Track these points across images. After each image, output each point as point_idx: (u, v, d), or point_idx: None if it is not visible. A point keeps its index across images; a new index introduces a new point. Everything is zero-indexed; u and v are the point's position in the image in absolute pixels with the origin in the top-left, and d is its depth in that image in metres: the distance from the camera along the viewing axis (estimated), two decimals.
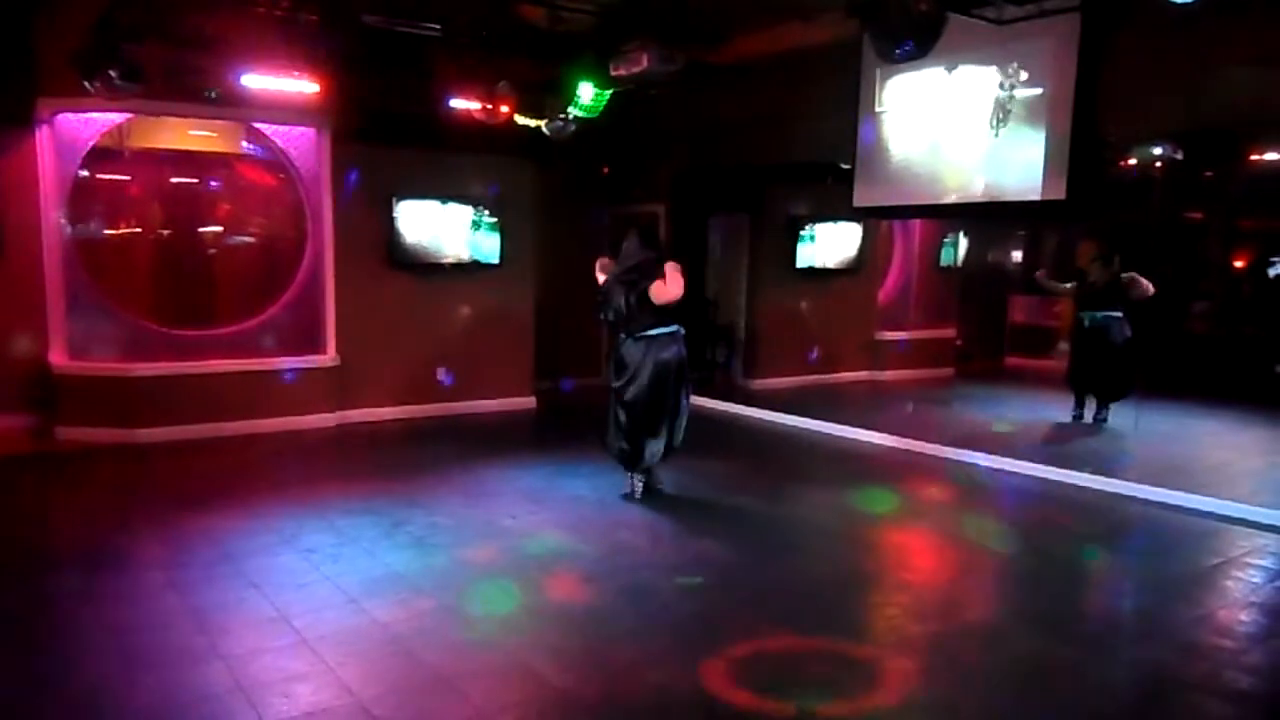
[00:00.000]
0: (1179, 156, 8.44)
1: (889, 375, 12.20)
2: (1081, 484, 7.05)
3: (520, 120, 8.44)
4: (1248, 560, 5.47)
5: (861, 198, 8.64)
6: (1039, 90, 7.10)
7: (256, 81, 7.37)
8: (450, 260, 9.34)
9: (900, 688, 3.90)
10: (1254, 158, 8.86)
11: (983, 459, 7.74)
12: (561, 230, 10.62)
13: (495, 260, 9.54)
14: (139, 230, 8.97)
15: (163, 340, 8.38)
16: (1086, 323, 9.00)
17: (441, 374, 9.52)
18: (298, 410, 8.70)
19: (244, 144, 8.95)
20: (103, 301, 8.30)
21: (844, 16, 6.08)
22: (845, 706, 3.72)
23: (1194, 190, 10.49)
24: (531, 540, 5.64)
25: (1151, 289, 8.73)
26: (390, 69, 8.12)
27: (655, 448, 6.34)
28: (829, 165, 9.38)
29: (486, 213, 9.43)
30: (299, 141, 8.72)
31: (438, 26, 7.63)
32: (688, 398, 6.43)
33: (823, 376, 11.66)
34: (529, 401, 10.07)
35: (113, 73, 6.69)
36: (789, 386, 11.26)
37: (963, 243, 12.99)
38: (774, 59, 8.78)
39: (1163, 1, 5.61)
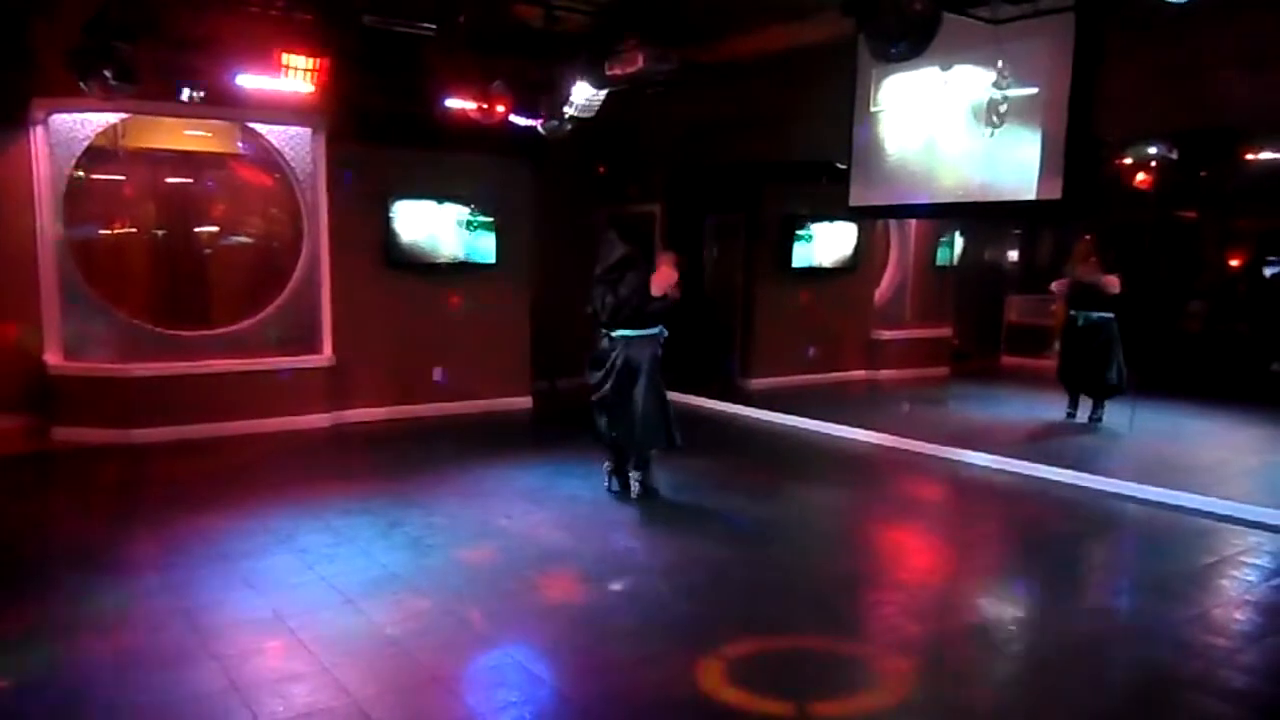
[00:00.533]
0: (1174, 156, 8.47)
1: (885, 374, 12.21)
2: (1076, 483, 7.05)
3: (516, 120, 8.43)
4: (1243, 559, 5.48)
5: (857, 197, 8.64)
6: (1034, 90, 7.11)
7: (251, 81, 7.35)
8: (446, 260, 9.34)
9: (897, 687, 3.90)
10: (1249, 157, 8.88)
11: (978, 458, 7.75)
12: (557, 230, 10.61)
13: (491, 260, 9.53)
14: (134, 230, 8.94)
15: (158, 340, 8.37)
16: (1080, 321, 9.00)
17: (437, 374, 9.52)
18: (294, 410, 8.68)
19: (239, 144, 8.93)
20: (98, 302, 8.28)
21: (839, 16, 6.07)
22: (842, 705, 3.73)
23: (1189, 189, 10.50)
24: (528, 540, 5.64)
25: (1115, 288, 8.74)
26: (386, 68, 8.11)
27: (627, 441, 6.39)
28: (825, 165, 9.39)
29: (482, 212, 9.42)
30: (294, 141, 8.71)
31: (433, 26, 7.62)
32: (659, 397, 6.35)
33: (819, 376, 11.66)
34: (525, 401, 10.07)
35: (107, 72, 6.67)
36: (785, 386, 11.26)
37: (959, 242, 13.00)
38: (769, 59, 8.78)
39: (1158, 1, 5.62)
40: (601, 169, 11.25)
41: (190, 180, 9.25)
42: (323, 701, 3.59)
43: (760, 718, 3.57)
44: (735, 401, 10.26)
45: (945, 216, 11.01)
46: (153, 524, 5.78)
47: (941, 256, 12.85)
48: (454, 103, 8.17)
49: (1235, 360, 10.52)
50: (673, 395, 6.67)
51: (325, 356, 8.89)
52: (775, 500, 6.77)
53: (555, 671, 3.95)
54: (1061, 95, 6.92)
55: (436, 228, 9.24)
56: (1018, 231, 13.86)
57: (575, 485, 6.82)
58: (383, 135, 8.68)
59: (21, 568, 5.11)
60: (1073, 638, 4.40)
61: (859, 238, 11.69)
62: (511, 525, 5.94)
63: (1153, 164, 8.80)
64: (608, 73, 7.61)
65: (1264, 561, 5.43)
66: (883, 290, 12.66)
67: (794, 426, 9.30)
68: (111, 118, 8.09)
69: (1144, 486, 6.73)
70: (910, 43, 5.37)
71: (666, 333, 6.38)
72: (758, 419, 9.71)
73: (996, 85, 7.32)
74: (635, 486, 6.50)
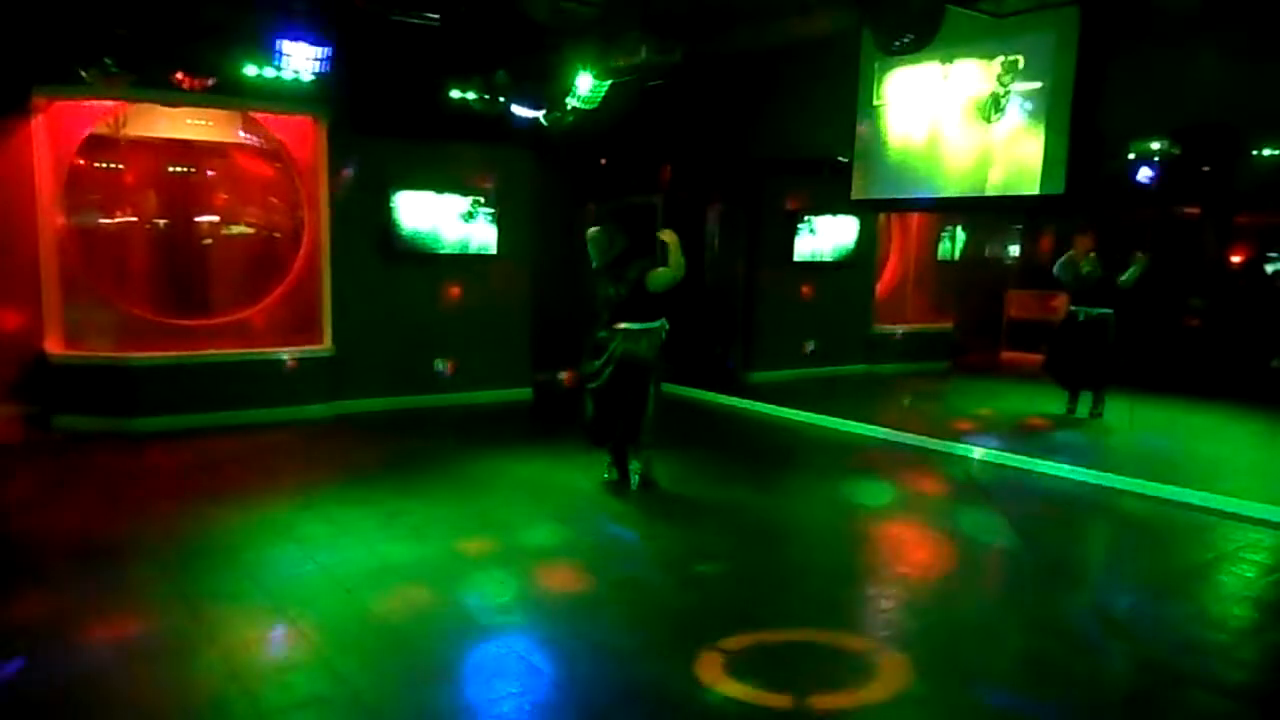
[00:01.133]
0: (1177, 151, 8.44)
1: (886, 368, 12.20)
2: (1075, 478, 7.06)
3: (518, 111, 8.42)
4: (1242, 555, 5.48)
5: (859, 190, 8.64)
6: (1038, 84, 7.10)
7: (253, 70, 7.34)
8: (447, 251, 9.32)
9: (895, 680, 3.90)
10: (1252, 153, 8.85)
11: (978, 452, 7.75)
12: (558, 222, 10.59)
13: (493, 251, 9.52)
14: (135, 219, 8.93)
15: (159, 329, 8.37)
16: (1081, 317, 8.97)
17: (438, 364, 9.52)
18: (294, 400, 8.68)
19: (240, 133, 8.92)
20: (99, 290, 8.28)
21: (842, 9, 6.07)
22: (840, 699, 3.73)
23: (1192, 185, 10.48)
24: (527, 531, 5.64)
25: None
26: (388, 58, 8.09)
27: (618, 435, 6.41)
28: (827, 158, 9.37)
29: (484, 203, 9.41)
30: (296, 131, 8.69)
31: (436, 16, 7.60)
32: (651, 393, 6.36)
33: (820, 369, 11.66)
34: (526, 392, 10.07)
35: (108, 60, 6.66)
36: (786, 379, 11.26)
37: (960, 236, 12.99)
38: (772, 51, 8.76)
39: None
40: (603, 161, 11.23)
41: (191, 169, 9.24)
42: (322, 691, 3.60)
43: (759, 710, 3.58)
44: (736, 394, 10.26)
45: (947, 210, 11.02)
46: (153, 513, 5.78)
47: (943, 251, 12.84)
48: (456, 93, 8.15)
49: (1236, 356, 10.51)
50: (674, 388, 6.67)
51: (325, 346, 8.89)
52: (775, 493, 6.77)
53: (554, 662, 3.96)
54: (1065, 90, 6.91)
55: (437, 218, 9.22)
56: (1019, 226, 13.83)
57: (575, 476, 6.82)
58: (384, 125, 8.67)
59: (21, 557, 5.10)
60: (1071, 633, 4.41)
61: (861, 231, 11.67)
62: (511, 516, 5.94)
63: (1156, 159, 8.77)
64: (610, 64, 7.60)
65: (1263, 558, 5.43)
66: (884, 284, 12.65)
67: (795, 419, 9.30)
68: (112, 106, 8.06)
69: (1143, 482, 6.73)
70: (915, 36, 5.37)
71: (668, 326, 6.37)
72: (758, 412, 9.71)
73: (1000, 79, 7.31)
74: (635, 478, 6.50)
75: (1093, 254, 8.97)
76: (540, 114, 8.49)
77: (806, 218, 11.22)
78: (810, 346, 11.62)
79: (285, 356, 8.67)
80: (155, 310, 8.50)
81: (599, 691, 3.74)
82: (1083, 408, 9.18)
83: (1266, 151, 8.79)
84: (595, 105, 8.22)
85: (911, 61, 7.57)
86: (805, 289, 11.50)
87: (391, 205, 8.98)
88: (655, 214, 10.94)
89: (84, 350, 8.15)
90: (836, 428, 8.91)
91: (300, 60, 7.32)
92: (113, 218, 8.84)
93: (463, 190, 9.33)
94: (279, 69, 7.32)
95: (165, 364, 8.15)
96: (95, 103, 7.96)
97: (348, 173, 8.80)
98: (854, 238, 11.64)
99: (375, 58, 8.07)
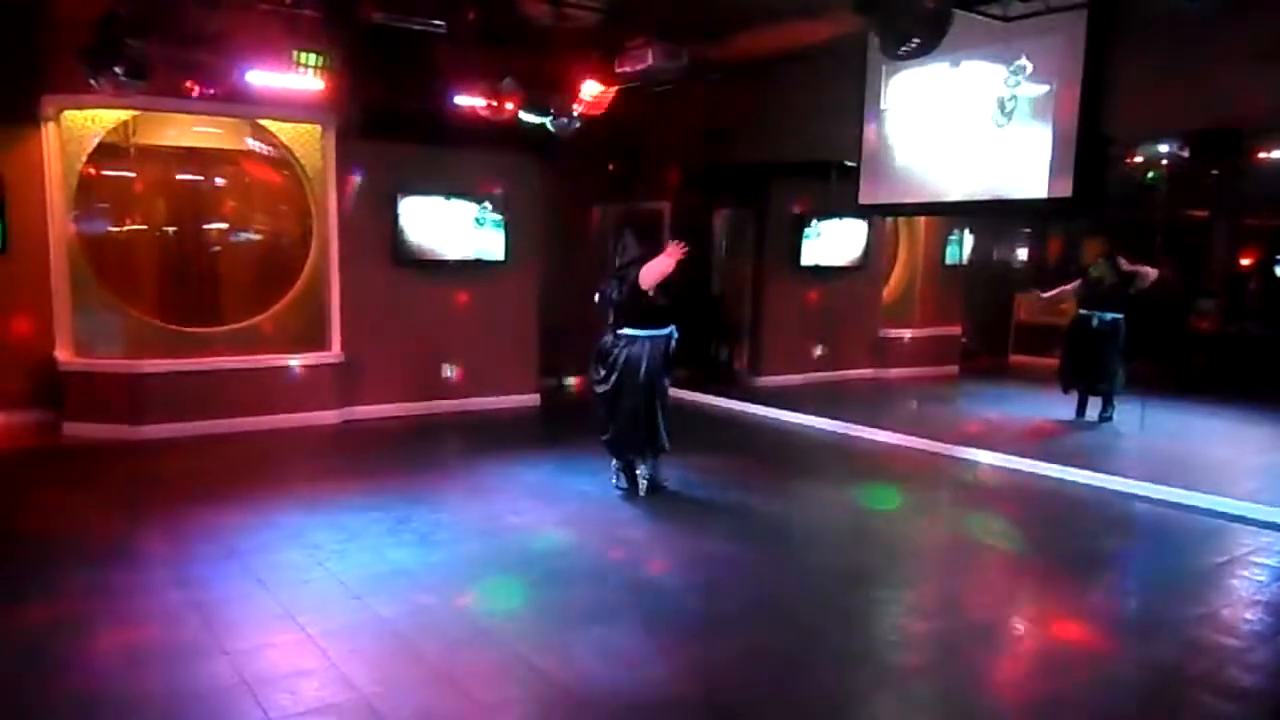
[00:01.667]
0: (1185, 154, 8.42)
1: (894, 373, 12.18)
2: (1086, 481, 7.03)
3: (525, 117, 8.44)
4: (1253, 559, 5.46)
5: (866, 195, 8.63)
6: (1045, 87, 7.09)
7: (261, 78, 7.38)
8: (455, 257, 9.34)
9: (904, 684, 3.89)
10: (1261, 156, 8.84)
11: (987, 456, 7.73)
12: (566, 228, 10.61)
13: (500, 257, 9.53)
14: (144, 227, 8.98)
15: (168, 337, 8.40)
16: (1094, 322, 8.88)
17: (446, 371, 9.53)
18: (303, 407, 8.70)
19: (249, 140, 8.96)
20: (108, 298, 8.32)
21: (849, 13, 6.06)
22: (849, 700, 3.72)
23: (1200, 188, 10.46)
24: (535, 537, 5.64)
25: (1154, 274, 8.71)
26: (395, 65, 8.12)
27: (632, 441, 6.38)
28: (834, 162, 9.36)
29: (491, 209, 9.43)
30: (304, 138, 8.72)
31: (442, 23, 7.63)
32: (658, 401, 6.34)
33: (828, 373, 11.65)
34: (534, 398, 10.08)
35: (117, 69, 6.69)
36: (794, 383, 11.25)
37: (968, 240, 12.96)
38: (779, 56, 8.76)
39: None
40: (611, 166, 11.24)
41: (200, 177, 9.28)
42: (331, 697, 3.60)
43: (769, 714, 3.57)
44: (743, 399, 10.25)
45: (954, 214, 10.99)
46: (163, 520, 5.80)
47: (950, 255, 12.81)
48: (463, 99, 8.18)
49: (1246, 359, 10.48)
50: (682, 393, 6.66)
51: (334, 353, 8.91)
52: (784, 498, 6.76)
53: (561, 667, 3.95)
54: (1073, 93, 6.89)
55: (445, 225, 9.24)
56: (1027, 230, 13.81)
57: (583, 482, 6.83)
58: (392, 132, 8.69)
59: (32, 563, 5.12)
60: (1081, 637, 4.39)
61: (868, 236, 11.65)
62: (519, 522, 5.95)
63: (1164, 162, 8.76)
64: (617, 70, 7.62)
65: (1274, 561, 5.40)
66: (891, 288, 12.63)
67: (802, 424, 9.29)
68: (122, 114, 8.11)
69: (1154, 486, 6.70)
70: (921, 40, 5.36)
71: (678, 334, 6.37)
72: (766, 416, 9.70)
73: (1007, 83, 7.30)
74: (643, 483, 6.50)
75: (1103, 258, 8.94)
76: (548, 120, 8.51)
77: (814, 222, 11.21)
78: (819, 350, 11.62)
79: (294, 363, 8.70)
80: (165, 317, 8.53)
81: (608, 697, 3.74)
82: (1092, 411, 9.15)
83: (1275, 154, 8.78)
84: (602, 110, 8.24)
85: (917, 66, 7.57)
86: (813, 293, 11.50)
87: (400, 212, 9.00)
88: (662, 219, 10.94)
89: (94, 358, 8.19)
90: (844, 432, 8.89)
91: (309, 67, 7.35)
92: (122, 225, 8.89)
93: (471, 196, 9.34)
94: (287, 77, 7.35)
95: (175, 371, 8.17)
96: (105, 111, 7.99)
97: (356, 179, 8.83)
98: (862, 242, 11.63)
99: (383, 65, 8.09)
